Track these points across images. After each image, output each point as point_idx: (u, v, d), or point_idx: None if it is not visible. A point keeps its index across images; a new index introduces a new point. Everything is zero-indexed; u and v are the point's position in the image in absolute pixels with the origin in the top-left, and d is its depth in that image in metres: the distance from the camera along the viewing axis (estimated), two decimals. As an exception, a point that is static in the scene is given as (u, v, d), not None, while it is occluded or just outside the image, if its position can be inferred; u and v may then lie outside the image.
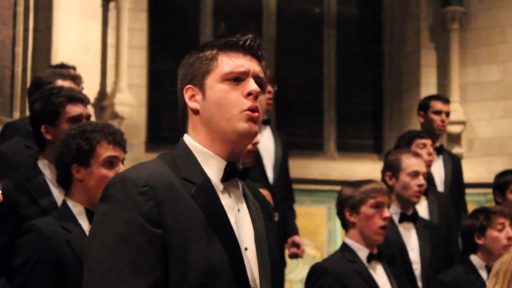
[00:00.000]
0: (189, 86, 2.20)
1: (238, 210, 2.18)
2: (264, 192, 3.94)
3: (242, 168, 2.20)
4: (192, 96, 2.19)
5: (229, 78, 2.16)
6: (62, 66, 5.28)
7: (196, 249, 2.04)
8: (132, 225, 2.01)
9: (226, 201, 2.15)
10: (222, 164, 2.16)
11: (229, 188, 2.18)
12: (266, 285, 2.19)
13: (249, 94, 2.15)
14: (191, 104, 2.19)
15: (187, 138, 2.20)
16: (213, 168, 2.15)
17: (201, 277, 2.03)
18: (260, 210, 2.29)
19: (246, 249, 2.15)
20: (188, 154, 2.17)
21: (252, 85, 2.16)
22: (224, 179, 2.16)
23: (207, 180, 2.13)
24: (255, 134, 2.17)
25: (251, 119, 2.14)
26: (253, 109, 2.14)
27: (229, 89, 2.15)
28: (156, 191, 2.05)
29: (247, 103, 2.14)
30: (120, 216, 2.03)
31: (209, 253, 2.05)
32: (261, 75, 2.20)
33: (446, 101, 6.26)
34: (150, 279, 1.99)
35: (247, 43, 2.20)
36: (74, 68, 5.26)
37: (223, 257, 2.07)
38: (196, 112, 2.18)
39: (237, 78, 2.16)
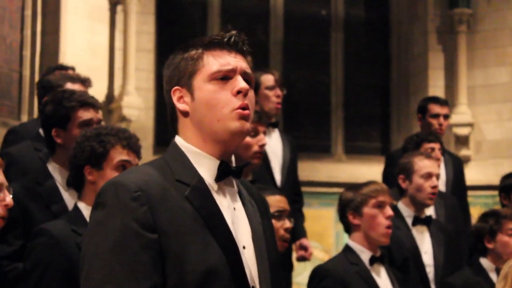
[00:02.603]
0: (176, 87, 2.17)
1: (234, 208, 2.17)
2: (280, 198, 3.92)
3: (235, 166, 2.18)
4: (180, 97, 2.17)
5: (216, 77, 2.13)
6: (62, 67, 5.22)
7: (193, 251, 2.03)
8: (126, 232, 2.00)
9: (221, 200, 2.14)
10: (215, 163, 2.14)
11: (224, 187, 2.16)
12: (265, 283, 2.17)
13: (238, 92, 2.13)
14: (180, 106, 2.16)
15: (178, 140, 2.18)
16: (206, 168, 2.14)
17: (199, 279, 2.02)
18: (256, 208, 2.27)
19: (244, 247, 2.13)
20: (181, 155, 2.15)
21: (240, 83, 2.13)
22: (218, 179, 2.14)
23: (201, 180, 2.12)
24: (247, 132, 2.15)
25: (242, 117, 2.12)
26: (243, 107, 2.12)
27: (217, 88, 2.13)
28: (149, 196, 2.03)
29: (237, 101, 2.12)
30: (114, 222, 2.01)
31: (206, 255, 2.04)
32: (248, 71, 2.18)
33: (444, 103, 6.20)
34: (147, 285, 1.98)
35: (232, 39, 2.17)
36: (73, 68, 5.19)
37: (221, 257, 2.05)
38: (185, 114, 2.16)
39: (224, 77, 2.14)
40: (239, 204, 2.19)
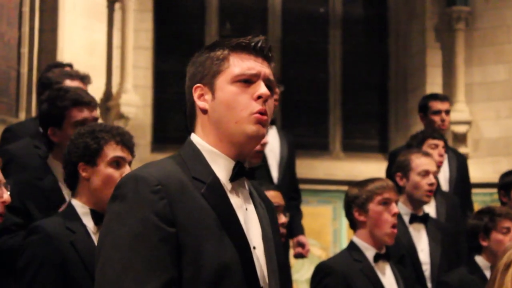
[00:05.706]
0: (198, 85, 2.20)
1: (246, 209, 2.20)
2: (275, 193, 3.94)
3: (249, 168, 2.21)
4: (201, 95, 2.19)
5: (239, 80, 2.16)
6: (59, 65, 5.19)
7: (208, 247, 2.05)
8: (145, 224, 2.02)
9: (235, 200, 2.17)
10: (231, 163, 2.17)
11: (237, 187, 2.19)
12: (275, 284, 2.20)
13: (259, 97, 2.16)
14: (200, 103, 2.19)
15: (194, 138, 2.21)
16: (221, 167, 2.16)
17: (213, 275, 2.04)
18: (265, 210, 2.30)
19: (254, 248, 2.16)
20: (197, 153, 2.17)
21: (262, 89, 2.16)
22: (232, 179, 2.17)
23: (216, 179, 2.15)
24: (262, 136, 2.18)
25: (259, 122, 2.15)
26: (262, 112, 2.15)
27: (239, 91, 2.16)
28: (168, 190, 2.06)
29: (256, 106, 2.15)
30: (133, 215, 2.03)
31: (221, 252, 2.07)
32: (271, 77, 2.21)
33: (444, 98, 6.22)
34: (165, 277, 2.00)
35: (259, 45, 2.20)
36: (70, 65, 5.19)
37: (234, 255, 2.08)
38: (204, 111, 2.19)
39: (247, 80, 2.17)
40: (250, 205, 2.23)
